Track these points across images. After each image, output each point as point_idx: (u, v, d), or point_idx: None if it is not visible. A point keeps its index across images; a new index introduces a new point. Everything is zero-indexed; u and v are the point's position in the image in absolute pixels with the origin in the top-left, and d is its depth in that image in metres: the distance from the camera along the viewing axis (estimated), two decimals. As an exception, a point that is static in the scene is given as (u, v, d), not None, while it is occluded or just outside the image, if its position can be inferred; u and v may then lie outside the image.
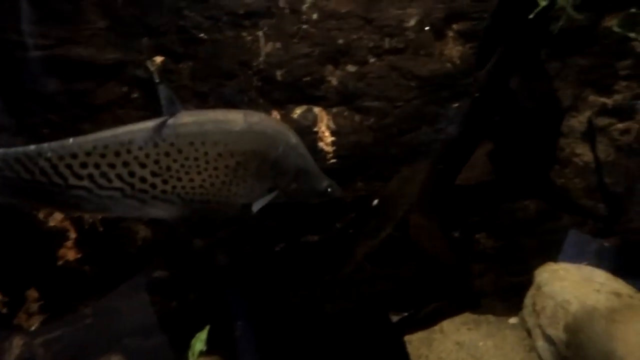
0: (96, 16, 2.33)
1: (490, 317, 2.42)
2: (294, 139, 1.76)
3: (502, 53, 1.28)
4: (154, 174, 1.60)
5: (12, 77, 2.31)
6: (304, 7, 2.36)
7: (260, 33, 2.38)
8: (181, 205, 1.67)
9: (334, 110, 2.41)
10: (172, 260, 2.48)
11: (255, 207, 1.65)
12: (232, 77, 2.39)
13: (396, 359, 1.91)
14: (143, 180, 1.60)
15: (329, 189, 1.81)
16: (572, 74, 2.27)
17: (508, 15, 1.23)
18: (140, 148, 1.58)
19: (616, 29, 1.19)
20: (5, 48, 2.28)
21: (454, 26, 2.33)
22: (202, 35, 2.36)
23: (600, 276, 2.12)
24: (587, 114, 2.30)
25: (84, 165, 1.56)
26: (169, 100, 1.63)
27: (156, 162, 1.59)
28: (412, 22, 2.36)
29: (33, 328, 2.38)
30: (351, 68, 2.41)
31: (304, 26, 2.37)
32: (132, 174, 1.59)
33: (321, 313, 1.73)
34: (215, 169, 1.65)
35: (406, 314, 1.59)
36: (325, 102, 2.42)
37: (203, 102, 2.42)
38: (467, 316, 2.38)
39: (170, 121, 1.61)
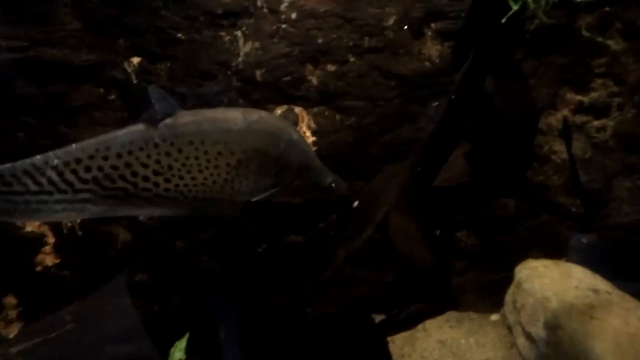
0: (70, 17, 2.29)
1: (472, 314, 2.44)
2: (295, 135, 1.77)
3: (476, 55, 1.28)
4: (156, 173, 1.64)
5: (-15, 80, 2.26)
6: (283, 6, 2.34)
7: (238, 33, 2.36)
8: (185, 203, 1.71)
9: (315, 110, 2.40)
10: (154, 264, 2.46)
11: (265, 192, 1.69)
12: (211, 77, 2.36)
13: (378, 360, 1.92)
14: (146, 179, 1.63)
15: (333, 184, 1.82)
16: (549, 73, 2.29)
17: (481, 17, 1.22)
18: (141, 149, 1.61)
19: (585, 33, 1.19)
20: (-23, 51, 2.23)
21: (432, 25, 2.33)
22: (179, 35, 2.33)
23: (579, 272, 2.15)
24: (565, 111, 2.33)
25: (88, 169, 1.60)
26: (162, 101, 1.65)
27: (157, 161, 1.62)
28: (390, 22, 2.35)
29: (12, 336, 2.33)
30: (331, 67, 2.40)
31: (283, 26, 2.36)
32: (134, 174, 1.62)
33: (302, 317, 1.73)
34: (217, 167, 1.67)
35: (387, 316, 1.60)
36: (305, 102, 2.41)
37: (182, 103, 2.38)
38: (449, 314, 2.40)
39: (169, 121, 1.63)
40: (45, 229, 2.37)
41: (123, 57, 2.34)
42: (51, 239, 2.38)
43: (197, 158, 1.65)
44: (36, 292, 2.39)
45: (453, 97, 1.35)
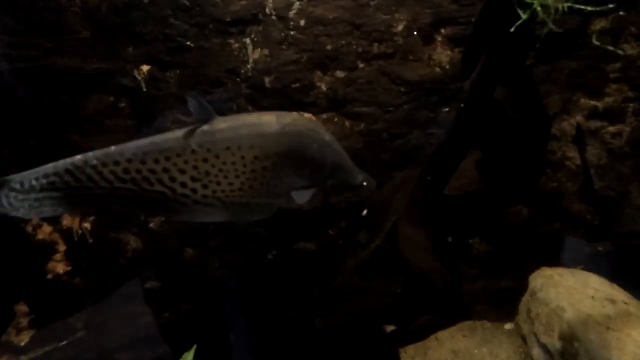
0: (80, 26, 2.30)
1: (486, 323, 2.40)
2: (327, 136, 1.77)
3: (486, 62, 1.26)
4: (193, 179, 1.66)
5: (-3, 89, 2.28)
6: (291, 13, 2.33)
7: (247, 40, 2.36)
8: (222, 208, 1.72)
9: (324, 116, 2.39)
10: (164, 271, 2.46)
11: (298, 198, 1.69)
12: (220, 84, 2.36)
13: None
14: (183, 185, 1.66)
15: (365, 183, 1.82)
16: (562, 77, 2.25)
17: (490, 25, 1.20)
18: (178, 155, 1.64)
19: (595, 41, 1.16)
20: (-11, 60, 2.25)
21: (442, 31, 2.31)
22: (188, 43, 2.33)
23: (595, 281, 2.10)
24: (578, 117, 2.29)
25: (126, 171, 1.65)
26: (200, 107, 1.68)
27: (195, 167, 1.65)
28: (400, 27, 2.33)
29: (23, 343, 2.34)
30: (340, 74, 2.39)
31: (292, 32, 2.35)
32: (172, 179, 1.65)
33: (311, 327, 1.71)
34: (253, 171, 1.69)
35: (397, 327, 1.57)
36: (314, 108, 2.40)
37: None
38: (462, 323, 2.36)
39: (206, 127, 1.66)
40: (56, 236, 2.39)
41: (133, 65, 2.35)
42: (62, 247, 2.39)
43: (234, 163, 1.67)
44: (47, 299, 2.40)
45: (462, 105, 1.32)
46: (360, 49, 2.38)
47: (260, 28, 2.35)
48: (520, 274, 2.37)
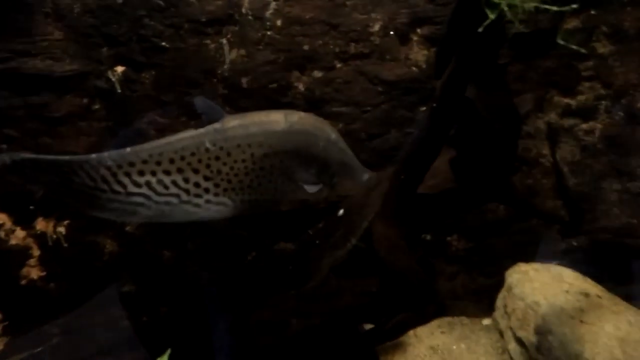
0: (52, 27, 2.26)
1: (464, 319, 2.43)
2: (333, 134, 1.80)
3: (457, 62, 1.27)
4: (206, 179, 1.68)
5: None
6: (268, 13, 2.32)
7: (223, 40, 2.34)
8: (232, 207, 1.74)
9: (302, 116, 2.38)
10: (141, 274, 2.43)
11: (310, 189, 1.73)
12: (197, 85, 2.34)
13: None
14: (197, 185, 1.68)
15: (370, 181, 1.84)
16: (536, 76, 2.29)
17: (462, 25, 1.21)
18: (193, 154, 1.66)
19: (560, 41, 1.18)
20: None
21: (419, 31, 2.33)
22: (163, 43, 2.31)
23: (569, 276, 2.14)
24: (552, 114, 2.33)
25: (141, 172, 1.65)
26: (209, 108, 1.71)
27: (208, 166, 1.67)
28: (376, 27, 2.34)
29: (-3, 351, 2.30)
30: (317, 74, 2.38)
31: (268, 33, 2.34)
32: (186, 180, 1.67)
33: (287, 329, 1.71)
34: (262, 169, 1.73)
35: (373, 326, 1.58)
36: (292, 109, 2.38)
37: (168, 111, 2.37)
38: (441, 319, 2.39)
39: (217, 126, 1.68)
40: (30, 241, 2.34)
41: (107, 66, 2.32)
42: (36, 252, 2.34)
43: (244, 161, 1.70)
44: (22, 305, 2.35)
45: (434, 104, 1.33)
46: (337, 49, 2.38)
47: (237, 28, 2.33)
48: (498, 271, 2.40)
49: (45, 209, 2.35)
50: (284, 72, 2.37)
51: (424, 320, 1.77)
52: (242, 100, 2.37)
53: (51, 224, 2.34)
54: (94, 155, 1.65)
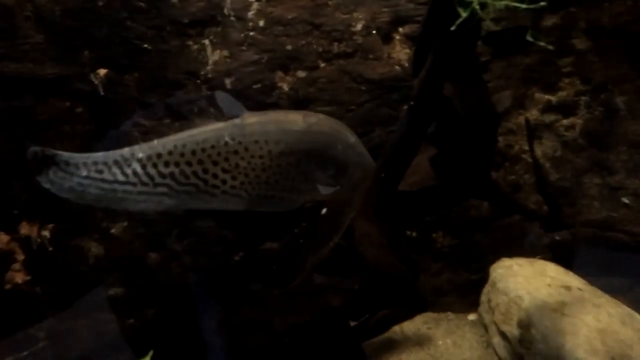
0: (33, 30, 2.25)
1: (450, 315, 2.45)
2: (352, 137, 1.83)
3: (434, 61, 1.29)
4: (224, 171, 1.75)
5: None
6: (250, 14, 2.33)
7: (206, 41, 2.34)
8: (247, 200, 1.81)
9: (286, 116, 2.39)
10: (128, 277, 2.42)
11: (324, 191, 1.79)
12: (180, 87, 2.34)
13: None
14: (215, 176, 1.75)
15: None
16: (517, 73, 2.32)
17: (438, 23, 1.23)
18: (213, 147, 1.73)
19: (529, 39, 1.20)
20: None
21: (400, 30, 2.35)
22: (146, 45, 2.31)
23: (552, 270, 2.17)
24: (534, 111, 2.36)
25: (166, 164, 1.73)
26: (229, 103, 1.79)
27: (226, 159, 1.74)
28: (359, 27, 2.36)
29: (-18, 356, 2.29)
30: (301, 74, 2.39)
31: (251, 33, 2.35)
32: (205, 171, 1.74)
33: (271, 328, 1.72)
34: (279, 166, 1.78)
35: (356, 322, 1.59)
36: (277, 109, 2.40)
37: (151, 113, 2.36)
38: (427, 315, 2.41)
39: (237, 121, 1.76)
40: (14, 245, 2.33)
41: (89, 69, 2.31)
42: (20, 256, 2.33)
43: (261, 157, 1.75)
44: (6, 310, 2.34)
45: (412, 102, 1.35)
46: (320, 49, 2.39)
47: (219, 29, 2.34)
48: (483, 266, 2.43)
49: (29, 212, 2.34)
50: (268, 72, 2.38)
51: (407, 316, 1.79)
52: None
53: (35, 228, 2.33)
54: (126, 149, 1.73)
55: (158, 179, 1.73)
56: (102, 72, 2.32)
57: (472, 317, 2.40)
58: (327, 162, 1.81)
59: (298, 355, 1.75)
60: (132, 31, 2.30)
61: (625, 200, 2.29)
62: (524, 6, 1.05)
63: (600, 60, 2.27)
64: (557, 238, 2.38)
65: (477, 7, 1.10)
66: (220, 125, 1.76)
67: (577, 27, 2.28)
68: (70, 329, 2.37)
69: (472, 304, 2.45)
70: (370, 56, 2.39)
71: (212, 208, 1.79)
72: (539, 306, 1.93)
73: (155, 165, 1.72)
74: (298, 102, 2.39)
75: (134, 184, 1.72)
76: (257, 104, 2.38)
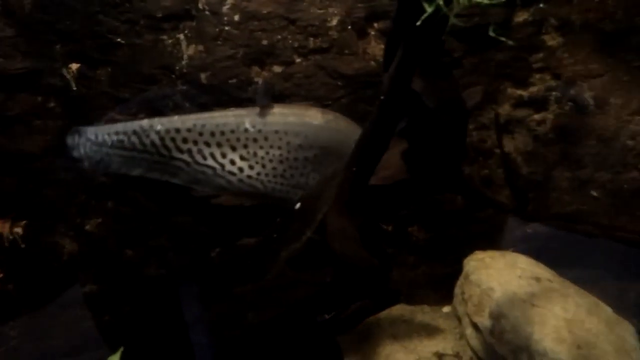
0: (2, 24, 2.21)
1: (426, 308, 2.49)
2: None
3: (402, 55, 1.30)
4: (242, 158, 1.79)
5: None
6: (225, 8, 2.32)
7: (181, 36, 2.33)
8: (263, 191, 1.84)
9: (262, 112, 2.39)
10: (103, 274, 2.40)
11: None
12: (154, 81, 2.32)
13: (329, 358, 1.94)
14: (232, 162, 1.79)
15: None
16: (489, 68, 2.35)
17: (407, 18, 1.24)
18: (232, 131, 1.79)
19: (491, 33, 1.23)
20: None
21: (375, 25, 2.36)
22: (119, 39, 2.28)
23: (523, 262, 2.21)
24: (506, 106, 2.39)
25: (185, 140, 1.79)
26: (264, 92, 1.89)
27: (245, 146, 1.79)
28: (334, 22, 2.36)
29: (-47, 355, 2.25)
30: (277, 69, 2.39)
31: (226, 28, 2.33)
32: (223, 155, 1.79)
33: (244, 322, 1.72)
34: (295, 159, 1.82)
35: (329, 316, 1.61)
36: (253, 104, 2.39)
37: (125, 108, 2.34)
38: (403, 308, 2.44)
39: (259, 110, 1.84)
40: (-15, 243, 2.29)
41: (61, 63, 2.28)
42: (-8, 254, 2.30)
43: (279, 148, 1.79)
44: (-22, 308, 2.31)
45: (382, 97, 1.37)
46: (296, 44, 2.39)
47: (194, 24, 2.32)
48: (457, 259, 2.46)
49: (1, 209, 2.30)
50: (244, 67, 2.37)
51: (378, 309, 1.81)
52: (202, 96, 2.36)
53: (7, 225, 2.30)
54: (145, 121, 1.83)
55: (175, 153, 1.80)
56: (74, 66, 2.29)
57: (446, 309, 2.44)
58: (341, 159, 1.77)
59: (273, 349, 1.76)
60: (104, 25, 2.27)
61: (594, 193, 2.34)
62: (486, 1, 1.07)
63: (570, 56, 2.31)
64: (529, 231, 2.43)
65: (442, 2, 1.11)
66: (241, 111, 1.83)
67: (547, 24, 2.32)
68: (44, 327, 2.34)
69: (447, 296, 2.49)
70: (346, 51, 2.40)
71: (227, 193, 1.84)
72: (510, 297, 1.97)
73: (173, 140, 1.80)
74: (274, 98, 2.39)
75: (151, 153, 1.81)
76: (233, 100, 2.37)
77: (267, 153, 1.78)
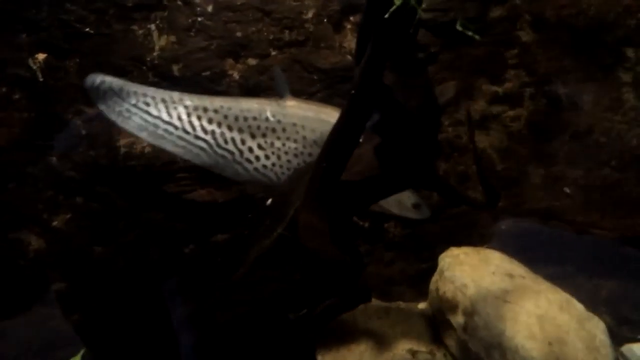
0: (-37, 11, 2.12)
1: (401, 304, 2.48)
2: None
3: (372, 49, 1.28)
4: (260, 147, 1.80)
5: None
6: (197, -1, 2.26)
7: (152, 26, 2.27)
8: (275, 183, 1.84)
9: (236, 105, 2.34)
10: (71, 271, 2.34)
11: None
12: (125, 73, 2.26)
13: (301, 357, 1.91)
14: (250, 150, 1.80)
15: None
16: (465, 64, 2.35)
17: (375, 11, 1.22)
18: (255, 118, 1.80)
19: (458, 27, 1.21)
20: None
21: (351, 18, 2.33)
22: (87, 29, 2.21)
23: (496, 258, 2.21)
24: (481, 102, 2.39)
25: (210, 120, 1.79)
26: (281, 83, 1.87)
27: (264, 135, 1.80)
28: (310, 15, 2.33)
29: None
30: (252, 61, 2.35)
31: (199, 19, 2.28)
32: (243, 142, 1.80)
33: (213, 321, 1.69)
34: (310, 155, 1.81)
35: (300, 313, 1.59)
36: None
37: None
38: (378, 305, 2.43)
39: (280, 101, 1.84)
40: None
41: (27, 53, 2.20)
42: (-45, 251, 2.22)
43: (296, 141, 1.80)
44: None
45: (353, 91, 1.34)
46: (271, 36, 2.35)
47: (166, 14, 2.27)
48: (433, 256, 2.46)
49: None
50: (217, 59, 2.32)
51: (350, 307, 1.79)
52: (175, 88, 2.29)
53: (-30, 221, 2.22)
54: (176, 92, 1.81)
55: (200, 132, 1.79)
56: (41, 56, 2.21)
57: (422, 306, 2.44)
58: None
59: (244, 347, 1.73)
60: (72, 14, 2.20)
61: (567, 189, 2.36)
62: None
63: (544, 52, 2.32)
64: (503, 227, 2.44)
65: (410, -5, 1.09)
66: (264, 100, 1.84)
67: (522, 20, 2.32)
68: (10, 327, 2.27)
69: (423, 293, 2.48)
70: (322, 45, 2.37)
71: (240, 181, 1.88)
72: (483, 294, 1.97)
73: (199, 118, 1.79)
74: (249, 91, 2.35)
75: (176, 127, 1.78)
76: (207, 92, 2.32)
77: (284, 145, 1.80)
